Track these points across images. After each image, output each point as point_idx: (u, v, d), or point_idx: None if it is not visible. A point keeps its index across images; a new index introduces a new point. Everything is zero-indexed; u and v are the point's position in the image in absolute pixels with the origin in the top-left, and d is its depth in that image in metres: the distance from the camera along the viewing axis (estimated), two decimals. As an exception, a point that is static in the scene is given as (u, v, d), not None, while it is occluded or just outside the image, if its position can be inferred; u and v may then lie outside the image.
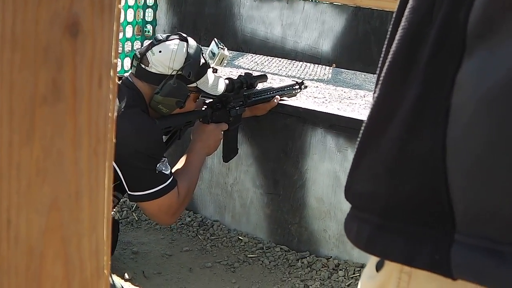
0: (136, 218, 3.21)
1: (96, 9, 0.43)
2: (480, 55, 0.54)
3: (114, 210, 3.24)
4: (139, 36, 4.22)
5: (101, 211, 0.50)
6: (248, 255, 2.95)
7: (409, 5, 0.61)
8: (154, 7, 4.35)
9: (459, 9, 0.55)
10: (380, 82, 0.66)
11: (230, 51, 4.68)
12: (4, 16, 0.40)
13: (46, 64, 0.41)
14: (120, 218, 3.18)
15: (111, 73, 0.46)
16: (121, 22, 4.03)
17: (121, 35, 4.06)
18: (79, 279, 0.50)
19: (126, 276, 2.67)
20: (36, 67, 0.41)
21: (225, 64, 2.47)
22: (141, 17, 4.24)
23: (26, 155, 0.42)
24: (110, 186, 0.51)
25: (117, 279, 2.45)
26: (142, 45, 3.97)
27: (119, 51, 3.96)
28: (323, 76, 4.28)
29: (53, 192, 0.45)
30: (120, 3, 0.46)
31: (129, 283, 2.58)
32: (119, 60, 3.94)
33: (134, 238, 3.04)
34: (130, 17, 4.08)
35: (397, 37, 0.63)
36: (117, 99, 2.09)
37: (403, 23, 0.61)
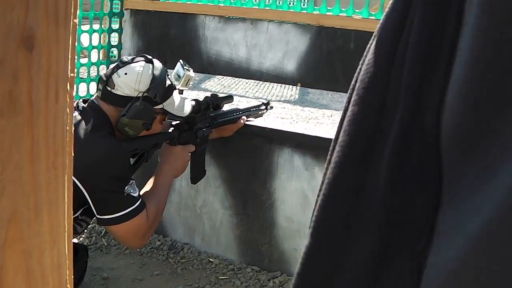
0: (106, 244, 3.18)
1: (51, 23, 0.44)
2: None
3: (83, 236, 3.21)
4: (105, 60, 4.21)
5: (62, 225, 0.50)
6: (219, 277, 2.94)
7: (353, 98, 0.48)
8: (119, 31, 4.35)
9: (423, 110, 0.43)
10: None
11: (196, 73, 4.70)
12: (-42, 30, 0.40)
13: (2, 77, 0.42)
14: (89, 243, 3.15)
15: (68, 87, 0.47)
16: (86, 46, 4.02)
17: (86, 59, 4.05)
18: (41, 293, 0.50)
19: (97, 302, 2.65)
20: (-9, 80, 0.42)
21: (190, 85, 2.47)
22: (107, 41, 4.23)
23: (-17, 167, 0.43)
24: (70, 200, 0.51)
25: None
26: (107, 68, 3.97)
27: (84, 75, 3.95)
28: (290, 97, 4.30)
29: (12, 205, 0.45)
30: (75, 18, 0.47)
31: (100, 309, 2.56)
32: (85, 84, 3.93)
33: (104, 263, 3.01)
34: (95, 41, 4.08)
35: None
36: (84, 122, 2.09)
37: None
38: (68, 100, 0.47)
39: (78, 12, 0.47)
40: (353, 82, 0.49)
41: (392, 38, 0.45)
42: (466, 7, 0.39)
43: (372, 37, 0.49)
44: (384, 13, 0.49)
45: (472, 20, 0.37)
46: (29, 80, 0.44)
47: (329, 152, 0.48)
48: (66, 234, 0.51)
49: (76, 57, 0.48)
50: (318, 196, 0.48)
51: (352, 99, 0.47)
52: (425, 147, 0.40)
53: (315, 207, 0.48)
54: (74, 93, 3.84)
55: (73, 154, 0.49)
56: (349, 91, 0.49)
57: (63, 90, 0.46)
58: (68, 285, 0.53)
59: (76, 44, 0.48)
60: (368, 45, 0.49)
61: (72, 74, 0.47)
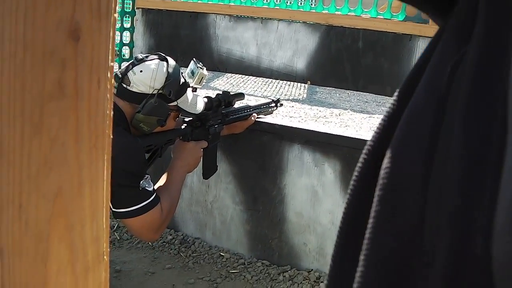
0: (118, 238, 3.24)
1: (95, 17, 0.49)
2: None
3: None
4: (117, 58, 4.26)
5: (101, 201, 0.55)
6: (230, 271, 2.99)
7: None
8: (131, 29, 4.40)
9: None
10: None
11: (208, 71, 4.75)
12: (16, 22, 0.45)
13: (52, 65, 0.47)
14: (102, 238, 3.20)
15: (108, 75, 0.52)
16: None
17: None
18: (82, 263, 0.55)
19: (110, 294, 2.70)
20: (44, 67, 0.47)
21: (204, 82, 2.52)
22: (119, 40, 4.29)
23: (35, 145, 0.48)
24: (109, 179, 0.56)
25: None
26: (119, 66, 4.01)
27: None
28: (298, 96, 4.34)
29: (59, 180, 0.50)
30: (115, 12, 0.52)
31: (113, 302, 2.62)
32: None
33: (117, 257, 3.06)
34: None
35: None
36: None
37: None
38: (108, 86, 0.52)
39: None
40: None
41: (427, 147, 0.40)
42: (510, 112, 0.34)
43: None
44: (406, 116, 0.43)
45: None
46: (75, 68, 0.48)
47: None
48: (104, 210, 0.56)
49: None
50: None
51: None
52: (478, 275, 0.35)
53: None
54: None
55: (111, 136, 0.54)
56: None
57: (104, 77, 0.51)
58: (105, 257, 0.57)
59: (115, 33, 0.53)
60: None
61: (111, 63, 0.52)
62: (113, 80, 0.52)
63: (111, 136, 0.54)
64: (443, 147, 0.38)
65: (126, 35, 4.40)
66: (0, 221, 0.49)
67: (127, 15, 4.37)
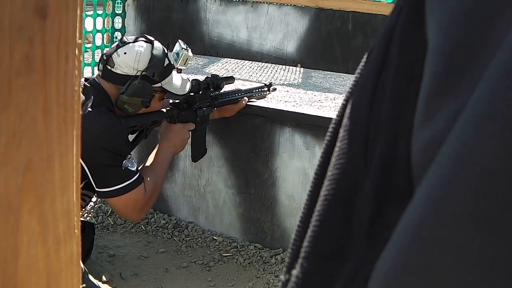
0: (112, 223, 3.26)
1: (61, -5, 0.51)
2: None
3: (90, 215, 3.29)
4: (109, 44, 4.27)
5: (71, 175, 0.57)
6: (223, 254, 3.01)
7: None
8: (123, 14, 4.41)
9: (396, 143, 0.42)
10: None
11: (199, 57, 4.75)
12: (-18, 0, 0.47)
13: (19, 42, 0.49)
14: (96, 222, 3.23)
15: (76, 52, 0.54)
16: (90, 30, 4.08)
17: (90, 45, 4.12)
18: (53, 235, 0.57)
19: (104, 278, 2.72)
20: (11, 44, 0.48)
21: (189, 64, 2.53)
22: (110, 25, 4.30)
23: (4, 119, 0.49)
24: (78, 154, 0.58)
25: (94, 281, 2.51)
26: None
27: (89, 59, 4.01)
28: (293, 80, 4.35)
29: (28, 153, 0.52)
30: (82, -10, 0.53)
31: (107, 285, 2.64)
32: (90, 67, 3.99)
33: (110, 242, 3.09)
34: (99, 25, 4.14)
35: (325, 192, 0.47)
36: (84, 97, 2.16)
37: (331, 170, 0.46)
38: (76, 63, 0.53)
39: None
40: (337, 117, 0.49)
41: (373, 76, 0.44)
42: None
43: (354, 79, 0.48)
44: (366, 57, 0.48)
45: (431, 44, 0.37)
46: (43, 44, 0.50)
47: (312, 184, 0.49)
48: (74, 183, 0.57)
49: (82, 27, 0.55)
50: (301, 225, 0.49)
51: (340, 135, 0.46)
52: (401, 175, 0.40)
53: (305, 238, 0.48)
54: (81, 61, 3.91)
55: (80, 112, 0.56)
56: (333, 125, 0.49)
57: (72, 53, 0.53)
58: (76, 230, 0.59)
59: (82, 12, 0.55)
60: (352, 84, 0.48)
61: (79, 41, 0.54)
62: (81, 57, 0.54)
63: (80, 112, 0.56)
64: (384, 74, 0.43)
65: (118, 21, 4.41)
66: (-30, 192, 0.50)
67: (119, 1, 4.37)
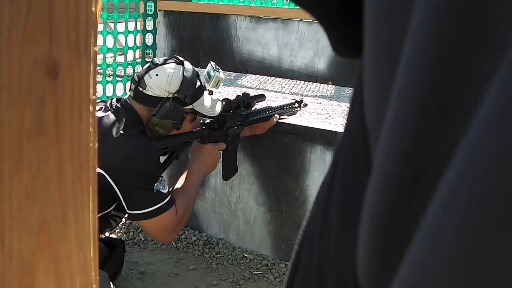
0: (143, 239, 3.26)
1: (73, 53, 0.49)
2: None
3: (121, 231, 3.30)
4: (140, 60, 4.30)
5: (87, 231, 0.56)
6: (253, 272, 3.00)
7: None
8: (154, 31, 4.43)
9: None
10: None
11: (230, 72, 4.76)
12: (-9, 63, 0.46)
13: (30, 103, 0.48)
14: (127, 239, 3.23)
15: (90, 108, 0.52)
16: (122, 47, 4.11)
17: (122, 58, 4.14)
18: (69, 292, 0.56)
19: (134, 296, 2.73)
20: (21, 106, 0.47)
21: (221, 85, 2.53)
22: (142, 42, 4.32)
23: (16, 182, 0.48)
24: (95, 209, 0.57)
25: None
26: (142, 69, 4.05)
27: (121, 74, 4.04)
28: (326, 92, 4.32)
29: (42, 214, 0.51)
30: (95, 46, 0.52)
31: (137, 303, 2.64)
32: (122, 83, 4.02)
33: (141, 258, 3.09)
34: (131, 42, 4.16)
35: None
36: (117, 121, 2.18)
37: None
38: (90, 119, 0.52)
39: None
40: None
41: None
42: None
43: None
44: None
45: None
46: (55, 104, 0.49)
47: None
48: (91, 239, 0.56)
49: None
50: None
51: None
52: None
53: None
54: (112, 93, 3.91)
55: (96, 168, 0.55)
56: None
57: (86, 110, 0.52)
58: (93, 285, 0.58)
59: (96, 66, 0.54)
60: None
61: (93, 97, 0.53)
62: (95, 113, 0.53)
63: (96, 168, 0.55)
64: None
65: (149, 37, 4.43)
66: (-18, 256, 0.49)
67: (150, 18, 4.40)
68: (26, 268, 0.51)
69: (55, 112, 0.49)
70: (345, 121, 0.50)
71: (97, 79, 0.51)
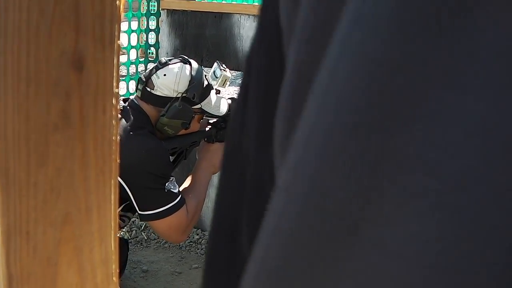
0: (145, 238, 3.26)
1: (98, 46, 0.50)
2: None
3: (124, 230, 3.30)
4: (143, 59, 4.29)
5: (109, 225, 0.56)
6: (256, 271, 3.00)
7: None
8: (157, 30, 4.42)
9: None
10: None
11: (233, 71, 4.75)
12: (19, 55, 0.46)
13: (56, 96, 0.48)
14: (129, 237, 3.23)
15: (114, 101, 0.53)
16: (125, 46, 4.10)
17: (125, 58, 4.13)
18: (91, 285, 0.56)
19: (137, 294, 2.73)
20: (47, 99, 0.48)
21: (228, 84, 2.53)
22: (145, 41, 4.31)
23: (41, 175, 0.48)
24: (116, 202, 0.57)
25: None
26: (145, 67, 4.04)
27: (124, 73, 4.04)
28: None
29: (66, 207, 0.51)
30: (119, 39, 0.52)
31: (140, 302, 2.64)
32: (124, 82, 4.01)
33: (144, 257, 3.09)
34: (133, 41, 4.15)
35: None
36: (124, 121, 2.16)
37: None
38: (114, 112, 0.52)
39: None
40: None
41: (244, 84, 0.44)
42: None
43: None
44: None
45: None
46: (79, 98, 0.49)
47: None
48: (112, 233, 0.56)
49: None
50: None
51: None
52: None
53: None
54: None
55: (118, 161, 0.55)
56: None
57: (110, 104, 0.52)
58: (114, 278, 0.58)
59: (119, 60, 0.54)
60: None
61: (116, 90, 0.53)
62: (118, 106, 0.53)
63: (118, 160, 0.55)
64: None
65: (152, 37, 4.42)
66: (7, 248, 0.50)
67: (153, 16, 4.39)
68: (50, 261, 0.52)
69: (80, 105, 0.49)
70: None
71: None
